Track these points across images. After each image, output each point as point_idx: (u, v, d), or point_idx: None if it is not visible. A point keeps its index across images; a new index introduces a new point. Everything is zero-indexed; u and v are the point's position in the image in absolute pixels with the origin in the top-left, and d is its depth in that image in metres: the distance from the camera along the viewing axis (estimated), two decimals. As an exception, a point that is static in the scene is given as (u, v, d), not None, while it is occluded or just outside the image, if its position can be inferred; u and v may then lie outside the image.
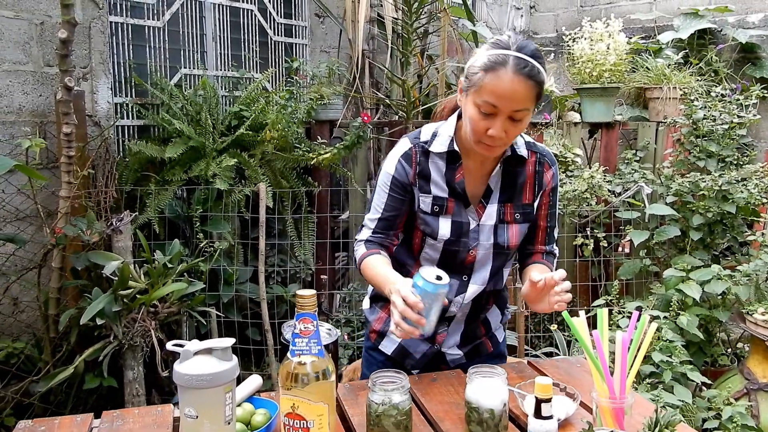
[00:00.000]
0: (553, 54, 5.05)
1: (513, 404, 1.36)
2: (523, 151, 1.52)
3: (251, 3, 3.64)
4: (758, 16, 4.50)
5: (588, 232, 3.43)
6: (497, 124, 1.35)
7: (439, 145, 1.50)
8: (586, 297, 3.61)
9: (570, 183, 3.36)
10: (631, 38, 4.19)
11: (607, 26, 3.76)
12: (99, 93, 2.97)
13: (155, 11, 3.21)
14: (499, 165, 1.51)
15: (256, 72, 3.62)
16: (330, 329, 1.74)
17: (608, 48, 3.68)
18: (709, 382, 2.80)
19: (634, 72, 4.09)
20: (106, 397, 2.59)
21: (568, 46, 3.93)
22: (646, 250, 3.29)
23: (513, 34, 1.38)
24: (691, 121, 3.36)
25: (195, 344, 1.13)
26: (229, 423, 1.12)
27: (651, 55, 4.26)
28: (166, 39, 3.27)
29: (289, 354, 1.12)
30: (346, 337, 3.18)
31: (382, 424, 1.20)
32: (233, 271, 3.02)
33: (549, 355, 3.26)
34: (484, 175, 1.52)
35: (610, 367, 1.20)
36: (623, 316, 2.79)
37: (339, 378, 2.55)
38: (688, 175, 3.25)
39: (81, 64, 2.89)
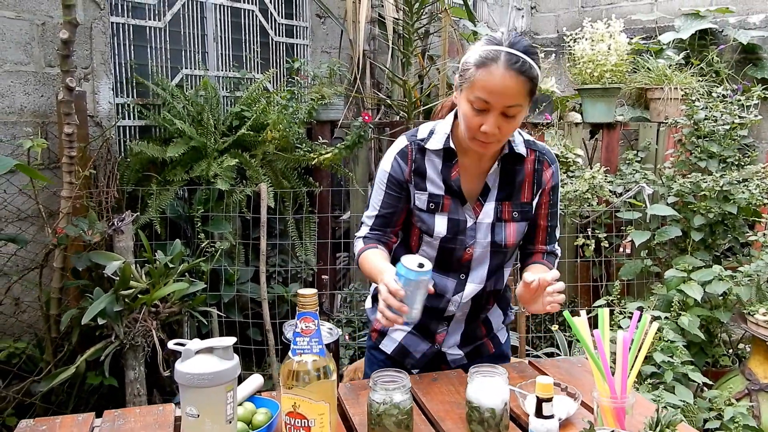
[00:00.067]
0: (554, 54, 5.05)
1: (514, 404, 1.36)
2: (521, 149, 1.51)
3: (252, 4, 3.64)
4: (759, 16, 4.50)
5: (589, 233, 3.43)
6: (490, 120, 1.35)
7: (436, 143, 1.50)
8: (587, 297, 3.61)
9: (571, 183, 3.36)
10: (632, 39, 4.20)
11: (608, 27, 3.76)
12: (100, 93, 2.98)
13: (156, 12, 3.22)
14: (496, 163, 1.50)
15: (258, 72, 3.63)
16: (331, 329, 1.74)
17: (609, 48, 3.68)
18: (710, 382, 2.79)
19: (635, 72, 4.09)
20: (108, 397, 2.60)
21: (569, 46, 3.93)
22: (647, 251, 3.29)
23: (506, 31, 1.39)
24: (692, 121, 3.35)
25: (196, 343, 1.13)
26: (230, 422, 1.13)
27: (652, 56, 4.25)
28: (168, 39, 3.27)
29: (290, 353, 1.12)
30: (347, 337, 3.18)
31: (383, 424, 1.20)
32: (234, 271, 3.03)
33: (550, 355, 3.26)
34: (482, 172, 1.51)
35: (611, 366, 1.20)
36: (624, 317, 2.79)
37: (340, 378, 2.55)
38: (689, 176, 3.25)
39: (82, 65, 2.90)
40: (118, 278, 2.38)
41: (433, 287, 1.32)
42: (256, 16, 3.67)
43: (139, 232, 2.67)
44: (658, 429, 1.09)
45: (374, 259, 1.48)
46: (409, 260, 1.29)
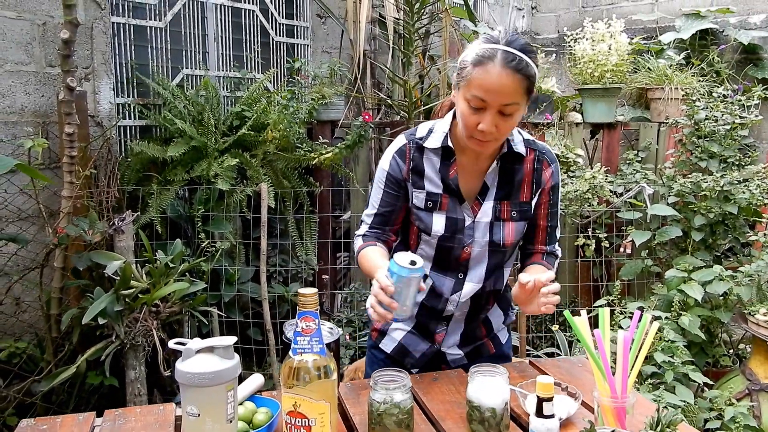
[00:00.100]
0: (554, 54, 5.04)
1: (515, 403, 1.36)
2: (520, 148, 1.51)
3: (253, 4, 3.64)
4: (760, 17, 4.50)
5: (590, 233, 3.43)
6: (487, 118, 1.35)
7: (434, 141, 1.50)
8: (588, 297, 3.61)
9: (572, 183, 3.35)
10: (632, 39, 4.19)
11: (609, 27, 3.76)
12: (101, 93, 2.98)
13: (157, 12, 3.22)
14: (495, 162, 1.50)
15: (258, 72, 3.63)
16: (332, 328, 1.74)
17: (610, 48, 3.68)
18: (710, 382, 2.79)
19: (636, 72, 4.08)
20: (108, 397, 2.60)
21: (569, 46, 3.93)
22: (647, 251, 3.29)
23: (504, 29, 1.38)
24: (692, 121, 3.35)
25: (197, 343, 1.13)
26: (230, 421, 1.13)
27: (653, 56, 4.25)
28: (168, 39, 3.27)
29: (290, 352, 1.12)
30: (347, 337, 3.18)
31: (383, 423, 1.20)
32: (235, 271, 3.03)
33: (550, 355, 3.26)
34: (480, 171, 1.51)
35: (611, 366, 1.20)
36: (625, 317, 2.79)
37: (340, 377, 2.55)
38: (689, 176, 3.25)
39: (83, 65, 2.90)
40: (118, 278, 2.39)
41: (431, 286, 1.32)
42: (257, 16, 3.67)
43: (140, 232, 2.67)
44: (659, 429, 1.09)
45: (372, 256, 1.48)
46: (402, 257, 1.29)
